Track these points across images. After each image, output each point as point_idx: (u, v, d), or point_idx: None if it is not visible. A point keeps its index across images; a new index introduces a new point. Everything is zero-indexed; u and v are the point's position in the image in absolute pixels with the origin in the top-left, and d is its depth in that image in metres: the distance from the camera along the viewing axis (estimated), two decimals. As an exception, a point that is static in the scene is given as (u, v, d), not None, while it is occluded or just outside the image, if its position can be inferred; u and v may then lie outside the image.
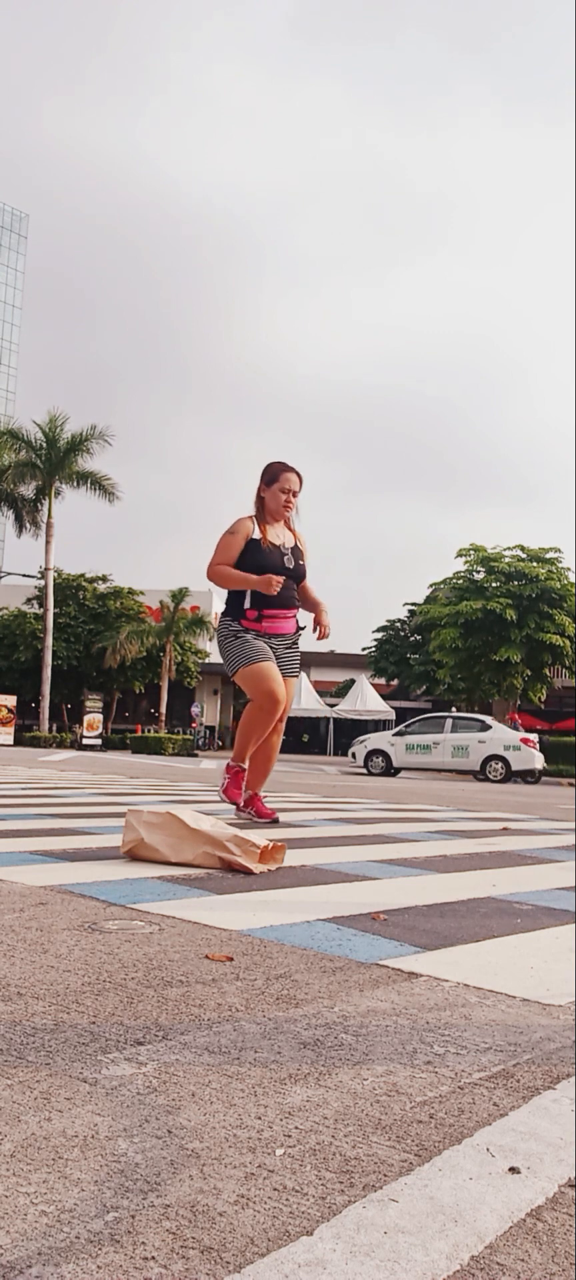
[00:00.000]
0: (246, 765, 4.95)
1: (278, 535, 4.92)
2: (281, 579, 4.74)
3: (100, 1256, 0.81)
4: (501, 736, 21.89)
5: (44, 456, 31.91)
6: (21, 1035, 1.38)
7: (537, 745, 22.39)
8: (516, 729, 23.13)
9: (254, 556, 4.83)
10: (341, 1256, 0.83)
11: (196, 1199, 0.92)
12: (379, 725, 40.14)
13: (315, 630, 5.09)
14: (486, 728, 22.22)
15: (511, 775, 21.48)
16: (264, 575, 4.73)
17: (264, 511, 4.94)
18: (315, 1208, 0.92)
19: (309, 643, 5.26)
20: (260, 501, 4.96)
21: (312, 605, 5.13)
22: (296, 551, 4.98)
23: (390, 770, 22.68)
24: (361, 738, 24.58)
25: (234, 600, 4.93)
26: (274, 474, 4.93)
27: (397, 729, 23.88)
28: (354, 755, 23.74)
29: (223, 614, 4.98)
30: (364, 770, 22.91)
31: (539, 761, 21.81)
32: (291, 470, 4.95)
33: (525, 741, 21.67)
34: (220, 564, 4.85)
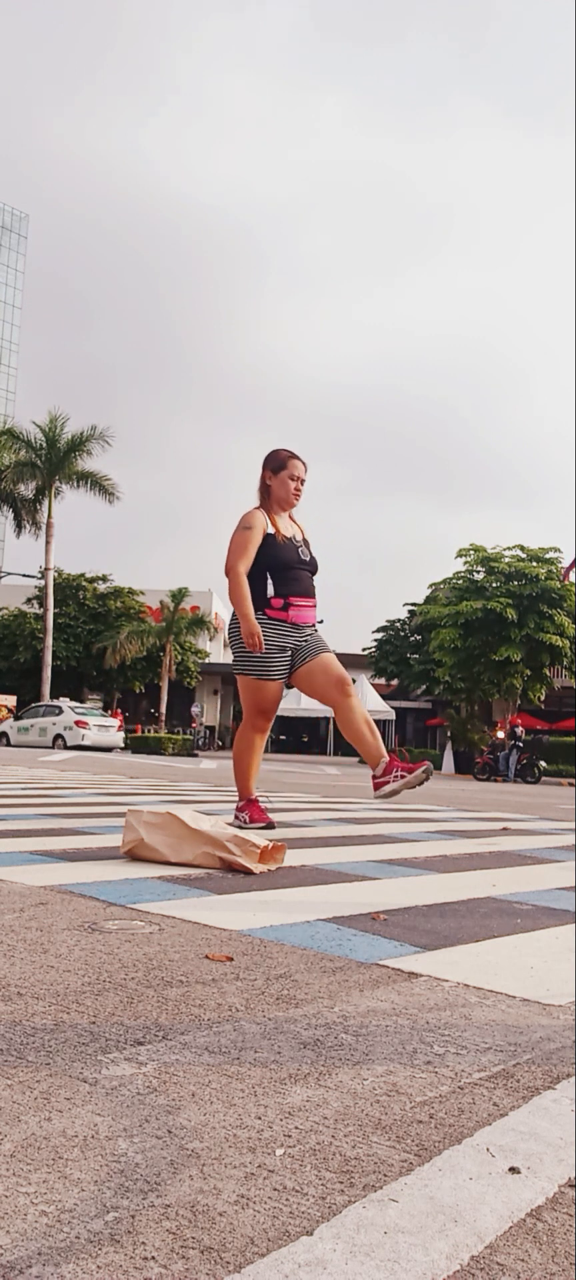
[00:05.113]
0: (255, 795, 4.74)
1: (287, 527, 4.74)
2: (261, 643, 4.51)
3: (100, 1256, 0.81)
4: (65, 720, 27.73)
5: (44, 456, 31.91)
6: (21, 1035, 1.38)
7: (122, 726, 29.24)
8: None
9: (271, 552, 4.61)
10: (341, 1256, 0.83)
11: (196, 1199, 0.92)
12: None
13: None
14: (60, 712, 28.24)
15: (68, 748, 26.32)
16: (252, 630, 4.50)
17: (271, 501, 4.74)
18: (315, 1208, 0.92)
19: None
20: (266, 490, 4.75)
21: None
22: (306, 543, 4.81)
23: (10, 746, 27.43)
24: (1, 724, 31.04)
25: (257, 589, 4.64)
26: (281, 461, 4.73)
27: (17, 715, 30.38)
28: None
29: None
30: None
31: (89, 739, 26.81)
32: (297, 457, 4.78)
33: (78, 724, 27.32)
34: (242, 567, 4.58)
